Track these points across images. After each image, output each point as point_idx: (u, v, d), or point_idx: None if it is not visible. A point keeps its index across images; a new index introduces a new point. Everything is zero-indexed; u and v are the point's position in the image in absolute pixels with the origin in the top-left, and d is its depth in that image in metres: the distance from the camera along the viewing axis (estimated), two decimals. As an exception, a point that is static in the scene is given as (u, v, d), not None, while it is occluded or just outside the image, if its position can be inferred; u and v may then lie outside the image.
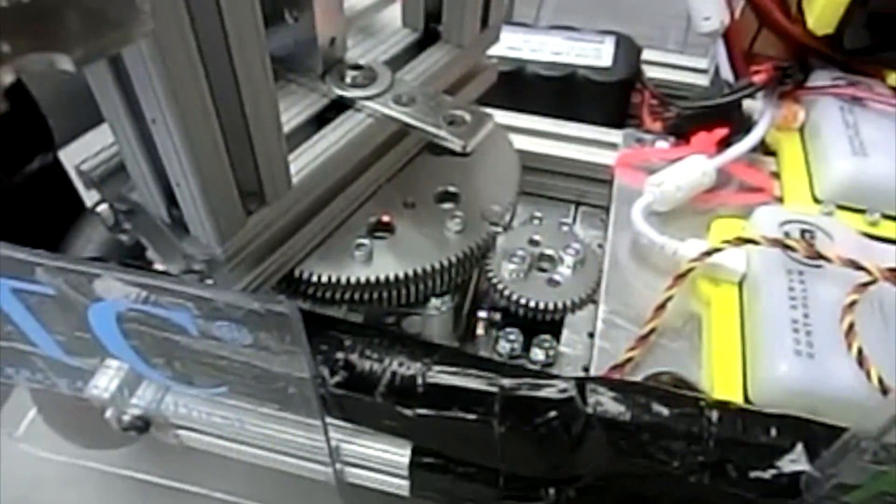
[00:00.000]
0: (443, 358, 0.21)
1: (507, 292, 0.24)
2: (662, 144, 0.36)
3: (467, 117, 0.24)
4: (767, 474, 0.18)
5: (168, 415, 0.25)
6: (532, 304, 0.24)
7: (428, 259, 0.25)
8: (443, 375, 0.21)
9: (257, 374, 0.21)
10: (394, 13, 0.27)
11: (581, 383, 0.20)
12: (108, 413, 0.27)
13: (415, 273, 0.24)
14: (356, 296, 0.25)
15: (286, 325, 0.17)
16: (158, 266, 0.25)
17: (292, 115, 0.25)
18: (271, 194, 0.22)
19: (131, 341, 0.21)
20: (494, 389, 0.20)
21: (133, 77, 0.17)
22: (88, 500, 0.37)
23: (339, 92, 0.25)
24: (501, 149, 0.29)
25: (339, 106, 0.25)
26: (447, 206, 0.27)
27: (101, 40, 0.14)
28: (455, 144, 0.23)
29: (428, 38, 0.27)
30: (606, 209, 0.38)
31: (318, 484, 0.29)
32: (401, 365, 0.21)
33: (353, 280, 0.24)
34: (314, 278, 0.25)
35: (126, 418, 0.26)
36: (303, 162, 0.24)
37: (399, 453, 0.24)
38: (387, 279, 0.24)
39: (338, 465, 0.25)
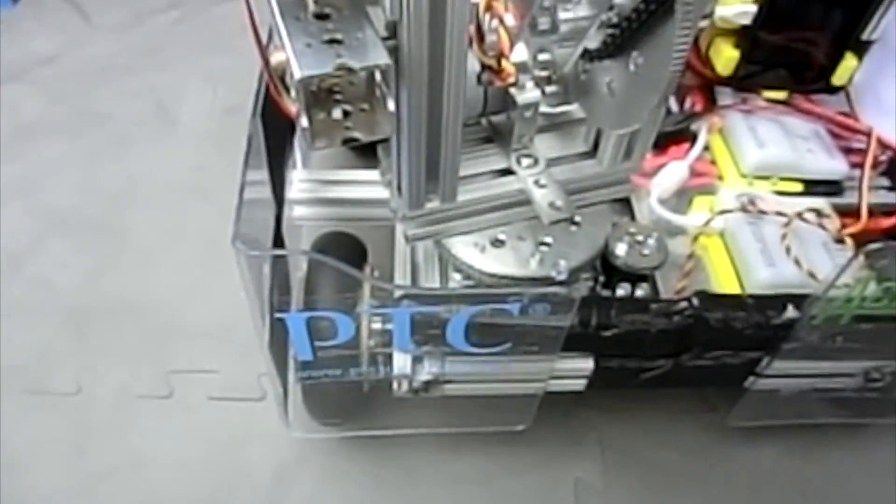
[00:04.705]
0: (621, 303, 0.40)
1: (624, 262, 0.43)
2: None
3: (563, 208, 0.40)
4: (781, 320, 0.40)
5: (450, 375, 0.42)
6: (641, 267, 0.43)
7: (505, 270, 0.41)
8: (623, 311, 0.40)
9: (532, 331, 0.39)
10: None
11: (689, 299, 0.40)
12: (396, 384, 0.44)
13: (493, 274, 0.41)
14: (466, 270, 0.42)
15: (573, 303, 0.36)
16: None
17: (483, 164, 0.43)
18: (443, 198, 0.40)
19: (465, 330, 0.38)
20: (649, 310, 0.40)
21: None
22: (329, 466, 0.52)
23: (513, 165, 0.42)
24: (598, 230, 0.44)
25: (510, 171, 0.43)
26: (542, 248, 0.43)
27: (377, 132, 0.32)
28: (542, 218, 0.40)
29: (594, 151, 0.43)
30: (615, 201, 0.58)
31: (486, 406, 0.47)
32: (600, 309, 0.40)
33: (466, 259, 0.42)
34: (451, 249, 0.42)
35: (416, 385, 0.43)
36: (472, 189, 0.41)
37: (584, 364, 0.43)
38: (481, 269, 0.42)
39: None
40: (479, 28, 0.36)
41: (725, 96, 0.58)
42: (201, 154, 0.76)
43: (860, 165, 0.52)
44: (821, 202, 0.51)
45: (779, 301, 0.41)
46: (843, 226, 0.49)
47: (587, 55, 0.36)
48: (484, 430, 0.51)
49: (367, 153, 0.71)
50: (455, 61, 0.32)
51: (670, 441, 0.55)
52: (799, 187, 0.53)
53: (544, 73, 0.38)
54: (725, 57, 0.55)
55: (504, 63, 0.38)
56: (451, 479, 0.52)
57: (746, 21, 0.51)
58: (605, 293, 0.46)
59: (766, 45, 0.54)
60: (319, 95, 0.31)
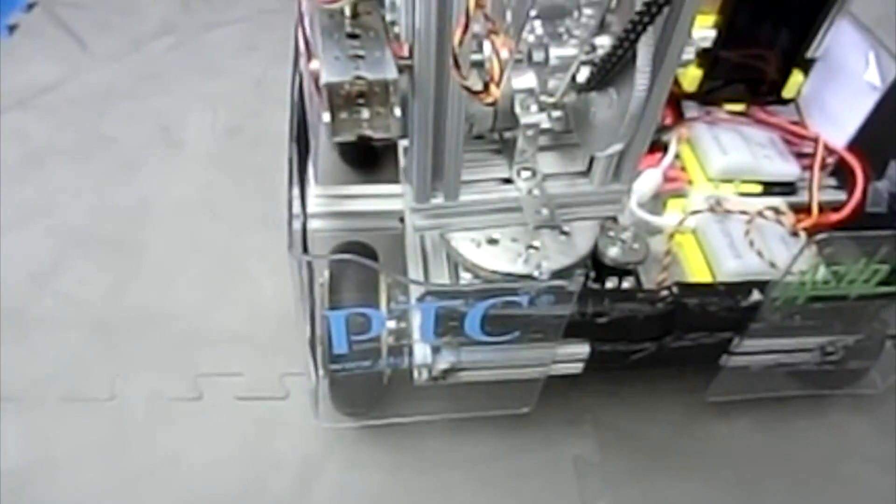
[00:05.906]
0: (612, 293, 0.47)
1: (614, 259, 0.50)
2: (624, 163, 0.63)
3: (548, 216, 0.46)
4: (748, 303, 0.47)
5: (465, 363, 0.48)
6: (626, 262, 0.50)
7: (494, 266, 0.47)
8: (616, 300, 0.46)
9: (537, 320, 0.45)
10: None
11: (670, 288, 0.47)
12: (416, 373, 0.49)
13: (483, 268, 0.47)
14: (460, 262, 0.48)
15: (573, 294, 0.42)
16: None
17: (488, 171, 0.49)
18: (445, 196, 0.46)
19: (481, 321, 0.43)
20: (637, 299, 0.46)
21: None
22: (352, 454, 0.57)
23: (513, 176, 0.48)
24: (584, 241, 0.50)
25: (511, 181, 0.49)
26: (530, 251, 0.49)
27: (388, 132, 0.38)
28: (528, 223, 0.47)
29: (588, 171, 0.49)
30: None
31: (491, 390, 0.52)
32: (594, 299, 0.46)
33: (462, 252, 0.48)
34: (451, 242, 0.48)
35: (435, 373, 0.48)
36: (475, 192, 0.47)
37: (581, 348, 0.49)
38: (474, 263, 0.48)
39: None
40: (454, 57, 0.41)
41: (691, 109, 0.65)
42: (207, 173, 0.81)
43: (810, 168, 0.60)
44: (777, 201, 0.58)
45: (745, 287, 0.48)
46: (798, 221, 0.56)
47: (577, 87, 0.42)
48: (492, 413, 0.56)
49: (370, 170, 0.77)
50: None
51: (656, 418, 0.61)
52: (758, 189, 0.60)
53: (550, 100, 0.44)
54: (690, 75, 0.62)
55: (492, 87, 0.44)
56: (464, 460, 0.57)
57: (707, 44, 0.58)
58: (596, 287, 0.52)
59: (725, 65, 0.62)
60: (349, 98, 0.37)
